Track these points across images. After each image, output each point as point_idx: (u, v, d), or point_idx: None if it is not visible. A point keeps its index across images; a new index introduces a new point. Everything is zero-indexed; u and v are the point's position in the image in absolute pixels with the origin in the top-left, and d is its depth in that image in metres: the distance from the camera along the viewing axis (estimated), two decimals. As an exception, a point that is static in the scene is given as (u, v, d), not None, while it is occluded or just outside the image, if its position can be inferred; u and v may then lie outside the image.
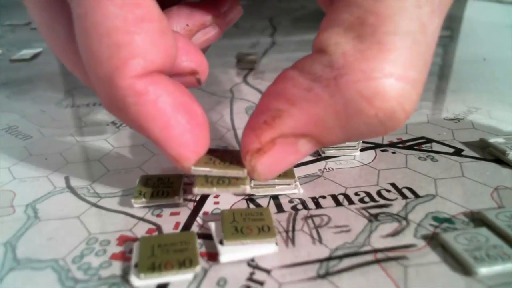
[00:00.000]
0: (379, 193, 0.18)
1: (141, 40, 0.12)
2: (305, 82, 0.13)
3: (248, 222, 0.15)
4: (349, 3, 0.12)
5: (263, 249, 0.14)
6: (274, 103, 0.13)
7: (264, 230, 0.14)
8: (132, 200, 0.17)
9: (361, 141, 0.22)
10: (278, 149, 0.14)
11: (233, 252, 0.14)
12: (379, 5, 0.12)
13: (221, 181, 0.15)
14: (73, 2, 0.13)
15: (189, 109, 0.14)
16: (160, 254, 0.14)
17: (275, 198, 0.18)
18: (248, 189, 0.15)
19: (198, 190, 0.14)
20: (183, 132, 0.14)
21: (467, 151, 0.22)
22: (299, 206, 0.17)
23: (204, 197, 0.18)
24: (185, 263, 0.13)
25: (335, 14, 0.12)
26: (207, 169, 0.14)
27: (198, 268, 0.13)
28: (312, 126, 0.13)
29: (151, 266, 0.13)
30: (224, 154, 0.15)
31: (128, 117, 0.13)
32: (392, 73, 0.12)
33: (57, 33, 0.15)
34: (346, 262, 0.14)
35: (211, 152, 0.15)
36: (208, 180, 0.15)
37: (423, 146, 0.22)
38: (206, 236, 0.15)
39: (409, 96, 0.12)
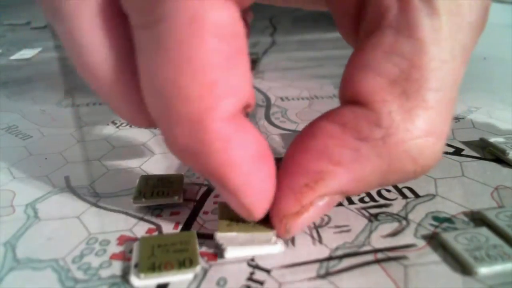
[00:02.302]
0: (379, 193, 0.18)
1: (236, 76, 0.11)
2: (351, 141, 0.12)
3: None
4: (387, 49, 0.12)
5: (268, 249, 0.14)
6: (316, 164, 0.13)
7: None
8: (132, 200, 0.17)
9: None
10: (314, 208, 0.13)
11: (238, 249, 0.14)
12: (423, 58, 0.11)
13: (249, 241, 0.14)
14: (153, 30, 0.10)
15: (268, 158, 0.13)
16: (160, 254, 0.14)
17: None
18: (274, 239, 0.14)
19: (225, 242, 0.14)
20: (262, 182, 0.13)
21: (467, 151, 0.22)
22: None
23: (204, 197, 0.18)
24: (185, 263, 0.13)
25: (374, 61, 0.12)
26: (233, 233, 0.14)
27: (198, 268, 0.13)
28: (354, 184, 0.13)
29: (151, 266, 0.13)
30: None
31: (206, 161, 0.12)
32: (433, 132, 0.12)
33: (105, 65, 0.12)
34: (346, 262, 0.14)
35: (228, 206, 0.14)
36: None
37: (423, 146, 0.22)
38: (206, 236, 0.15)
39: (441, 150, 0.12)
